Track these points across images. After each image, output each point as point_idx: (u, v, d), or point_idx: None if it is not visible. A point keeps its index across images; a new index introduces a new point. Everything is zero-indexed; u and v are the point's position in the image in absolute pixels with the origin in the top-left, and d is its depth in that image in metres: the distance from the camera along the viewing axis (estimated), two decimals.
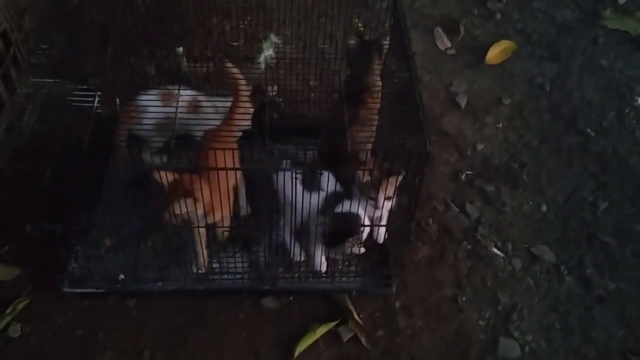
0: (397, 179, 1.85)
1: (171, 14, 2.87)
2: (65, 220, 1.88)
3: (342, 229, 1.90)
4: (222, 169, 1.73)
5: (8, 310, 2.00)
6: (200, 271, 2.06)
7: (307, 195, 1.92)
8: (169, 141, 1.81)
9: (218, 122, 2.07)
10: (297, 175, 1.84)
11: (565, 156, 2.61)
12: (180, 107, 2.03)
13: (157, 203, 1.88)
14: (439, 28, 3.12)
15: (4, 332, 1.97)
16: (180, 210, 1.79)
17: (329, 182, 1.98)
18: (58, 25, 2.21)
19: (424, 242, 2.28)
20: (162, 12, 2.83)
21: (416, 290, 2.15)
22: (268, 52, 2.27)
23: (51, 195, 1.89)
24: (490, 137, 2.67)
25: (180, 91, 1.95)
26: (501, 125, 2.72)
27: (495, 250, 2.28)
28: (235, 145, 2.00)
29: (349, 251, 1.97)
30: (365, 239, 2.11)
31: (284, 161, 2.08)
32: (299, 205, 1.89)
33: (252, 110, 2.12)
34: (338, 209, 1.93)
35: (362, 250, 2.08)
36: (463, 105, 2.78)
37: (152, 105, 2.03)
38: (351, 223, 1.90)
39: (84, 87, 1.81)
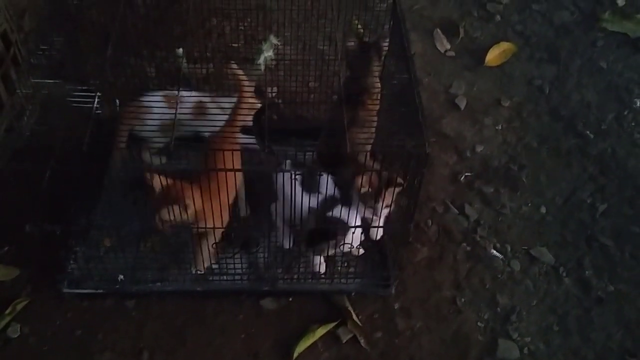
0: (394, 189, 1.85)
1: (171, 15, 2.87)
2: (64, 220, 1.88)
3: (324, 230, 1.90)
4: (222, 169, 1.74)
5: (7, 311, 2.00)
6: (199, 272, 2.06)
7: (305, 196, 1.92)
8: (169, 143, 1.81)
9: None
10: (297, 176, 1.84)
11: (564, 158, 2.61)
12: (187, 109, 2.04)
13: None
14: (438, 30, 3.12)
15: (3, 333, 1.97)
16: (169, 216, 1.80)
17: (327, 184, 1.97)
18: (58, 26, 2.22)
19: (423, 244, 2.28)
20: (162, 13, 2.84)
21: (415, 292, 2.15)
22: (268, 54, 2.26)
23: (51, 195, 1.89)
24: (490, 139, 2.67)
25: (186, 94, 1.96)
26: (500, 127, 2.72)
27: (494, 251, 2.28)
28: (239, 147, 2.00)
29: (327, 253, 1.98)
30: (364, 240, 2.11)
31: (285, 162, 2.08)
32: (297, 206, 1.90)
33: (258, 108, 2.12)
34: (329, 213, 1.93)
35: (362, 251, 2.09)
36: (462, 107, 2.78)
37: (155, 106, 2.03)
38: (334, 227, 1.91)
39: (83, 87, 1.81)
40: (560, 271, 2.24)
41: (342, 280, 2.10)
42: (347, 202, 1.94)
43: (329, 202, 1.95)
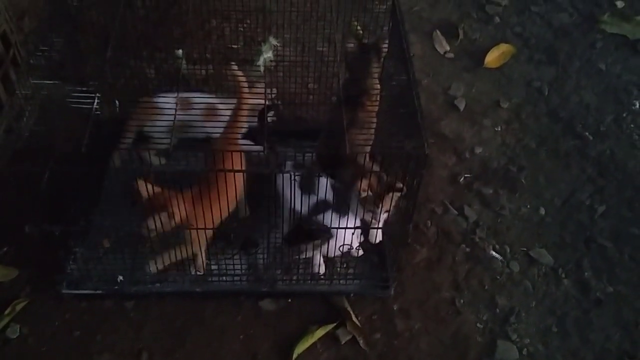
0: (393, 195, 1.85)
1: (170, 16, 2.88)
2: (64, 221, 1.88)
3: (305, 231, 1.91)
4: (222, 170, 1.75)
5: (7, 311, 2.00)
6: (198, 273, 2.06)
7: (304, 197, 1.93)
8: (170, 144, 1.82)
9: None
10: (296, 177, 1.84)
11: (563, 160, 2.62)
12: (198, 111, 2.05)
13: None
14: (437, 31, 3.13)
15: (2, 333, 1.97)
16: (155, 225, 1.81)
17: (322, 187, 1.97)
18: (57, 27, 2.22)
19: (422, 245, 2.28)
20: (161, 14, 2.84)
21: (414, 293, 2.15)
22: (267, 55, 2.26)
23: (50, 196, 1.89)
24: (489, 141, 2.67)
25: (198, 96, 1.97)
26: (499, 129, 2.73)
27: (493, 253, 2.29)
28: (240, 148, 2.01)
29: (305, 255, 1.98)
30: (363, 241, 2.12)
31: (286, 163, 2.08)
32: (296, 207, 1.90)
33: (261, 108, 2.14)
34: (317, 216, 1.93)
35: (361, 252, 2.09)
36: (461, 108, 2.79)
37: (167, 107, 2.05)
38: (316, 230, 1.91)
39: (83, 89, 1.81)
40: (559, 272, 2.24)
41: (341, 282, 2.10)
42: (338, 209, 1.93)
43: (320, 206, 1.94)
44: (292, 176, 1.85)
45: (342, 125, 1.76)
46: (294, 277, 2.10)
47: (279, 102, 2.59)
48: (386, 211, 1.90)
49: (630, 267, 2.27)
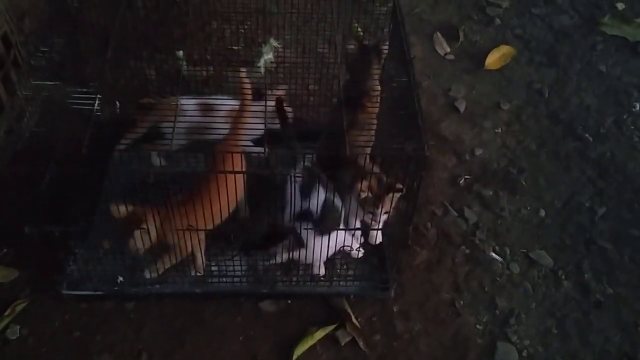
0: (393, 196, 1.85)
1: (171, 17, 2.88)
2: (64, 222, 1.88)
3: (274, 235, 1.91)
4: (222, 172, 1.75)
5: (6, 312, 2.00)
6: (198, 274, 2.06)
7: (304, 199, 1.93)
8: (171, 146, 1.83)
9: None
10: (297, 179, 1.85)
11: (564, 161, 2.62)
12: (220, 115, 2.07)
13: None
14: (438, 33, 3.13)
15: (2, 334, 1.97)
16: (136, 243, 1.84)
17: (316, 197, 1.97)
18: (58, 28, 2.22)
19: (422, 247, 2.28)
20: (161, 15, 2.84)
21: (414, 295, 2.15)
22: (268, 56, 2.27)
23: (50, 197, 1.89)
24: (489, 142, 2.67)
25: (219, 100, 2.05)
26: (500, 131, 2.73)
27: (493, 254, 2.29)
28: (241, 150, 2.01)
29: (277, 259, 1.99)
30: (363, 242, 2.12)
31: (299, 165, 2.07)
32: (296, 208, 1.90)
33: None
34: (298, 223, 1.94)
35: (362, 253, 2.09)
36: (462, 110, 2.79)
37: (188, 110, 2.06)
38: (285, 234, 1.91)
39: (83, 90, 1.81)
40: (559, 274, 2.24)
41: (341, 283, 2.10)
42: (321, 225, 1.93)
43: (304, 215, 1.95)
44: (292, 178, 1.86)
45: (343, 126, 1.76)
46: (294, 279, 2.10)
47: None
48: (386, 212, 1.90)
49: (630, 269, 2.27)
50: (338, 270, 2.12)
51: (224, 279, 2.08)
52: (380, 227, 1.97)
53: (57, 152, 1.91)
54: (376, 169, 1.88)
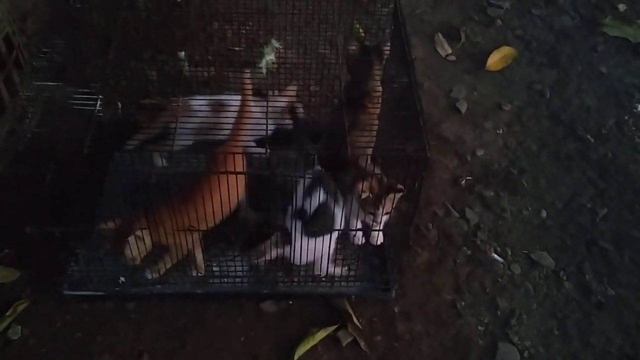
0: (395, 196, 1.85)
1: (172, 18, 2.88)
2: (65, 223, 1.88)
3: (262, 232, 1.92)
4: (224, 173, 1.76)
5: (8, 313, 2.00)
6: (199, 274, 2.06)
7: (305, 199, 1.94)
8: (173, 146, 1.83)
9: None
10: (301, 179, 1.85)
11: (564, 162, 2.62)
12: (232, 112, 2.07)
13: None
14: (439, 34, 3.13)
15: (3, 334, 1.97)
16: (132, 252, 1.85)
17: (316, 199, 1.97)
18: (60, 29, 2.22)
19: (423, 247, 2.28)
20: (163, 16, 2.85)
21: (415, 296, 2.15)
22: (269, 57, 2.27)
23: (52, 198, 1.89)
24: (490, 143, 2.67)
25: (231, 98, 2.06)
26: (501, 131, 2.73)
27: (495, 255, 2.29)
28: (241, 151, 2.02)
29: (266, 257, 1.98)
30: (364, 242, 2.12)
31: (314, 168, 2.06)
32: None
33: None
34: (289, 220, 1.95)
35: (362, 241, 2.08)
36: (463, 111, 2.79)
37: (200, 109, 2.07)
38: (272, 231, 1.92)
39: (85, 90, 1.81)
40: (560, 275, 2.24)
41: (342, 284, 2.10)
42: (313, 228, 1.93)
43: (298, 213, 1.95)
44: (304, 178, 1.86)
45: (344, 127, 1.76)
46: (295, 279, 2.10)
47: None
48: (387, 213, 1.90)
49: (631, 270, 2.27)
50: (339, 271, 2.12)
51: (225, 280, 2.08)
52: (381, 227, 1.97)
53: (58, 153, 1.91)
54: (377, 170, 1.88)
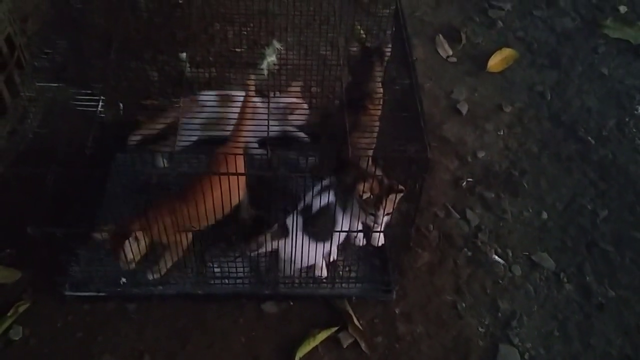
0: (396, 196, 1.86)
1: (174, 19, 2.89)
2: (66, 223, 1.88)
3: (259, 222, 1.92)
4: (225, 174, 1.76)
5: (9, 313, 2.00)
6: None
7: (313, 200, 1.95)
8: (174, 147, 1.83)
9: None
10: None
11: (565, 164, 2.62)
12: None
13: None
14: (440, 35, 3.14)
15: (5, 335, 1.97)
16: (127, 257, 1.85)
17: (318, 200, 1.98)
18: (61, 30, 2.23)
19: (424, 249, 2.28)
20: (164, 17, 2.85)
21: (416, 297, 2.15)
22: (271, 59, 2.28)
23: (53, 198, 1.90)
24: (491, 145, 2.68)
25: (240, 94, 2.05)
26: (502, 133, 2.73)
27: (495, 257, 2.29)
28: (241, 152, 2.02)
29: (263, 249, 1.97)
30: (365, 244, 2.12)
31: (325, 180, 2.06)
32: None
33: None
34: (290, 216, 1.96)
35: (364, 242, 2.08)
36: (464, 112, 2.79)
37: (209, 104, 2.08)
38: (269, 223, 1.92)
39: (87, 91, 1.82)
40: (561, 277, 2.24)
41: (343, 285, 2.10)
42: (311, 230, 1.94)
43: (302, 211, 1.96)
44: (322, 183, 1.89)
45: (345, 128, 1.77)
46: (296, 280, 2.11)
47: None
48: (388, 214, 1.90)
49: (632, 272, 2.27)
50: (340, 272, 2.13)
51: (226, 281, 2.08)
52: (382, 229, 1.97)
53: (60, 154, 1.91)
54: (378, 171, 1.88)
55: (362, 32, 2.71)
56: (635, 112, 2.84)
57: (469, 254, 2.29)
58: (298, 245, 1.92)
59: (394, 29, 2.08)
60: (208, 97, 2.20)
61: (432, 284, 2.19)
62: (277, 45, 2.34)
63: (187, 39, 2.75)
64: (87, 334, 2.00)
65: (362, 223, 2.03)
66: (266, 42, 2.43)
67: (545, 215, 2.43)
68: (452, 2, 3.36)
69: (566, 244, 2.34)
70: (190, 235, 1.96)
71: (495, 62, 3.01)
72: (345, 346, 2.01)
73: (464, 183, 2.52)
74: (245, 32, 2.86)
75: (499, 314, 2.13)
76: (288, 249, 1.94)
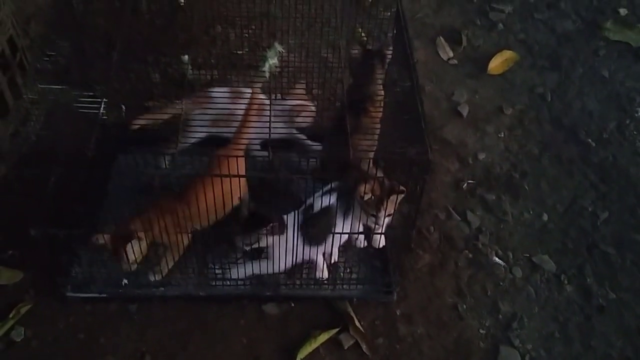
0: (397, 197, 1.86)
1: (176, 22, 2.89)
2: (68, 225, 1.89)
3: (258, 217, 1.92)
4: (225, 175, 1.76)
5: (11, 314, 2.01)
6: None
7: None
8: (175, 147, 1.84)
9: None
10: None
11: (566, 166, 2.62)
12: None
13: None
14: (441, 38, 3.14)
15: (7, 336, 1.98)
16: (128, 257, 1.86)
17: (319, 202, 1.98)
18: (64, 32, 2.24)
19: (424, 250, 2.29)
20: (166, 20, 2.86)
21: (417, 298, 2.16)
22: (272, 61, 2.28)
23: (55, 200, 1.90)
24: (492, 147, 2.68)
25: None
26: (502, 135, 2.73)
27: (496, 258, 2.29)
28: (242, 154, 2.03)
29: (258, 244, 1.96)
30: (366, 245, 2.13)
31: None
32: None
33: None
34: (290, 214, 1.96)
35: (365, 244, 2.08)
36: (465, 114, 2.80)
37: (220, 99, 2.08)
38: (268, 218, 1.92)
39: (89, 93, 1.82)
40: (561, 278, 2.25)
41: (344, 287, 2.10)
42: (310, 234, 1.95)
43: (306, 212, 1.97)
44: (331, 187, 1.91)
45: (346, 130, 1.77)
46: (297, 282, 2.11)
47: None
48: (389, 215, 1.91)
49: (633, 274, 2.27)
50: (341, 274, 2.13)
51: (228, 282, 2.09)
52: (383, 230, 1.97)
53: (62, 155, 1.92)
54: (379, 173, 1.89)
55: (363, 34, 2.72)
56: (636, 114, 2.84)
57: (470, 255, 2.29)
58: (292, 244, 1.92)
59: (395, 31, 2.09)
60: (219, 92, 2.20)
61: (433, 286, 2.19)
62: (278, 47, 2.34)
63: (189, 41, 2.76)
64: (89, 335, 2.01)
65: (363, 224, 2.04)
66: (268, 44, 2.44)
67: (545, 217, 2.43)
68: (453, 5, 3.36)
69: (567, 246, 2.35)
70: (189, 234, 1.97)
71: (496, 64, 3.01)
72: (346, 347, 2.01)
73: (465, 185, 2.52)
74: (246, 35, 2.86)
75: (500, 316, 2.14)
76: (282, 247, 1.94)
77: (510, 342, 2.07)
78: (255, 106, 2.04)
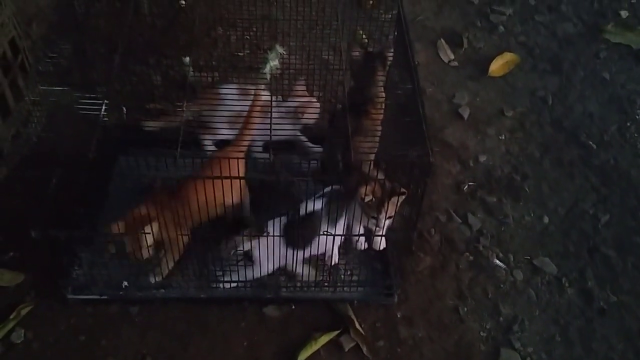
0: (398, 199, 1.86)
1: (177, 24, 2.90)
2: (69, 227, 1.89)
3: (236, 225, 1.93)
4: (227, 177, 1.76)
5: (12, 316, 2.01)
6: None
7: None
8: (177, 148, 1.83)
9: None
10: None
11: (567, 169, 2.62)
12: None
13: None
14: (442, 40, 3.14)
15: (7, 338, 1.98)
16: (141, 246, 1.87)
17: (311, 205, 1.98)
18: (65, 33, 2.24)
19: (425, 253, 2.28)
20: (168, 22, 2.86)
21: (417, 301, 2.15)
22: (273, 63, 2.28)
23: (56, 202, 1.90)
24: (493, 149, 2.68)
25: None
26: (503, 137, 2.73)
27: (497, 261, 2.29)
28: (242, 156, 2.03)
29: (242, 248, 1.96)
30: (367, 247, 2.12)
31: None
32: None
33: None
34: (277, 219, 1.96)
35: (365, 246, 2.08)
36: (466, 117, 2.80)
37: (230, 97, 2.09)
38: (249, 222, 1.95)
39: (91, 95, 1.82)
40: (562, 281, 2.24)
41: (345, 289, 2.10)
42: (298, 236, 1.95)
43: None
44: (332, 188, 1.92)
45: (347, 132, 1.77)
46: (298, 284, 2.11)
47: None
48: (389, 217, 1.91)
49: (634, 277, 2.27)
50: (342, 276, 2.13)
51: (228, 284, 2.08)
52: (384, 232, 1.97)
53: (63, 157, 1.92)
54: (380, 175, 1.89)
55: (364, 36, 2.72)
56: (637, 117, 2.84)
57: (471, 258, 2.29)
58: (272, 247, 1.92)
59: (396, 33, 2.09)
60: (229, 90, 2.20)
61: (433, 288, 2.19)
62: (279, 49, 2.34)
63: (190, 43, 2.76)
64: (90, 337, 2.01)
65: (364, 227, 2.04)
66: (269, 46, 2.44)
67: (546, 219, 2.43)
68: (453, 7, 3.37)
69: (568, 249, 2.34)
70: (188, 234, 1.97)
71: (497, 66, 3.01)
72: (346, 350, 2.01)
73: (466, 187, 2.52)
74: (248, 37, 2.87)
75: (501, 319, 2.14)
76: (262, 251, 1.94)
77: (511, 345, 2.07)
78: (259, 107, 2.04)
